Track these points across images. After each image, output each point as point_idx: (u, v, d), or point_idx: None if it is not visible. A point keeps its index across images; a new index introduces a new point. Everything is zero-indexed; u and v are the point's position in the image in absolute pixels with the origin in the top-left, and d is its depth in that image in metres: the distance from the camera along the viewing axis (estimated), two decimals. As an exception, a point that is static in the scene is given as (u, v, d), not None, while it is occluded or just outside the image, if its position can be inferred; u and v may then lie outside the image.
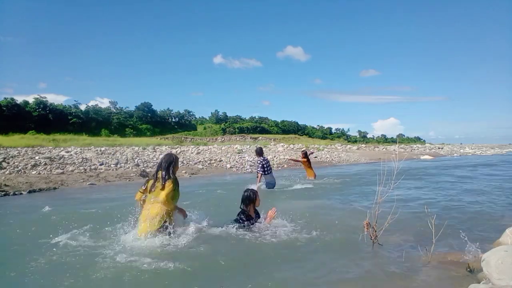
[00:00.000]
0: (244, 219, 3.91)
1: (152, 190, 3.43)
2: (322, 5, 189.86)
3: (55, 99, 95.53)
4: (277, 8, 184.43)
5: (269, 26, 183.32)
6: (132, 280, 2.58)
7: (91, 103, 63.59)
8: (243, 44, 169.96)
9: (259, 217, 4.14)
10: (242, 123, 68.83)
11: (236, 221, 3.91)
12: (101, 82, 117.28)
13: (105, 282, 2.56)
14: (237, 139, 48.54)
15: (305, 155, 9.44)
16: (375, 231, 3.27)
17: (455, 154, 34.99)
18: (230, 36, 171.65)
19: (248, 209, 4.03)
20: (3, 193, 7.65)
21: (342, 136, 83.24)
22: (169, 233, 3.34)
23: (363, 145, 45.05)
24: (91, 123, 51.37)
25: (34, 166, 10.78)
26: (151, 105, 63.80)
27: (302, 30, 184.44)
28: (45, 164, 11.14)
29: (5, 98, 45.19)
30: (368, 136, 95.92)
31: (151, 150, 18.15)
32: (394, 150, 31.44)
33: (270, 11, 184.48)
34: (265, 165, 7.56)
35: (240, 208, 4.05)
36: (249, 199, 4.03)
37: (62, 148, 16.24)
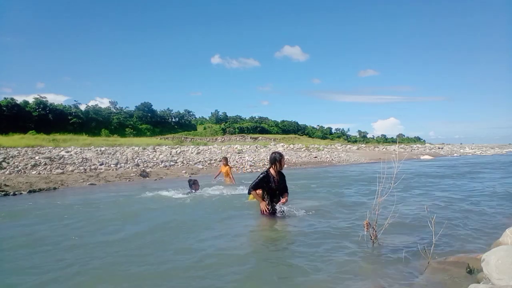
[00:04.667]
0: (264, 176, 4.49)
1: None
2: (319, 3, 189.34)
3: (55, 99, 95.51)
4: (273, 7, 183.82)
5: (266, 25, 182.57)
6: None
7: (91, 103, 63.65)
8: (240, 44, 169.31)
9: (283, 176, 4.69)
10: (242, 123, 68.80)
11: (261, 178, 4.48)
12: (101, 82, 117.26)
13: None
14: (237, 139, 48.55)
15: (227, 160, 10.04)
16: (375, 231, 3.27)
17: (455, 154, 35.00)
18: (227, 36, 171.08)
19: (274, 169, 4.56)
20: (3, 193, 7.66)
21: (342, 136, 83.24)
22: None
23: (363, 145, 45.08)
24: (91, 123, 51.33)
25: (34, 166, 10.79)
26: (151, 105, 63.76)
27: (299, 29, 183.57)
28: (45, 164, 11.14)
29: (5, 98, 45.17)
30: (368, 136, 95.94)
31: (151, 150, 18.15)
32: (394, 150, 31.45)
33: (266, 10, 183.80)
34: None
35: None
36: (274, 160, 4.56)
37: (62, 148, 16.24)
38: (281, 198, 4.58)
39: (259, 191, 4.55)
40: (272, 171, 4.53)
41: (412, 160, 24.62)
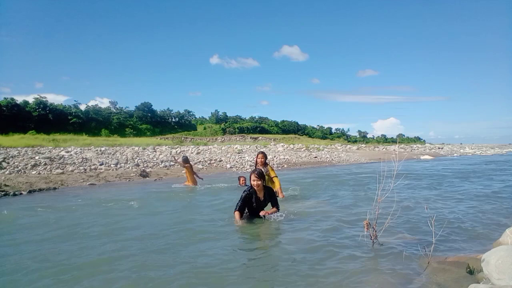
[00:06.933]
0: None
1: None
2: (317, 3, 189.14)
3: (55, 99, 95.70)
4: (271, 7, 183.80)
5: (264, 25, 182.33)
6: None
7: (91, 103, 63.76)
8: (239, 44, 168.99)
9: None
10: (242, 123, 68.80)
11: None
12: (101, 82, 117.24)
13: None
14: (237, 139, 48.56)
15: (186, 160, 8.82)
16: (375, 231, 3.27)
17: (455, 154, 34.96)
18: (225, 36, 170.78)
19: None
20: (3, 193, 7.65)
21: (342, 136, 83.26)
22: None
23: (363, 145, 45.10)
24: (91, 123, 51.36)
25: (34, 166, 10.79)
26: (151, 105, 63.79)
27: (298, 29, 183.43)
28: (45, 164, 11.15)
29: (5, 98, 45.24)
30: (368, 136, 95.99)
31: (151, 150, 18.15)
32: (394, 150, 31.44)
33: (264, 10, 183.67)
34: None
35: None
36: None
37: (62, 148, 16.24)
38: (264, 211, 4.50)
39: (237, 214, 4.33)
40: (255, 187, 4.39)
41: (412, 160, 24.62)
